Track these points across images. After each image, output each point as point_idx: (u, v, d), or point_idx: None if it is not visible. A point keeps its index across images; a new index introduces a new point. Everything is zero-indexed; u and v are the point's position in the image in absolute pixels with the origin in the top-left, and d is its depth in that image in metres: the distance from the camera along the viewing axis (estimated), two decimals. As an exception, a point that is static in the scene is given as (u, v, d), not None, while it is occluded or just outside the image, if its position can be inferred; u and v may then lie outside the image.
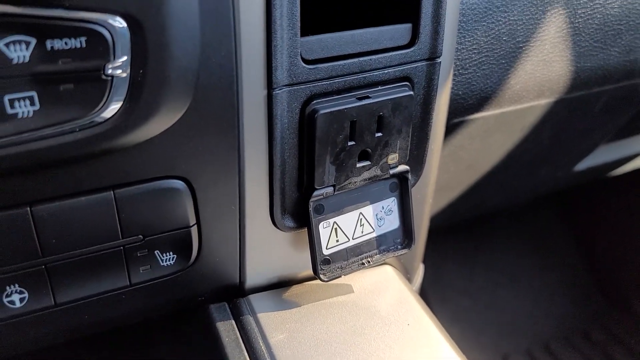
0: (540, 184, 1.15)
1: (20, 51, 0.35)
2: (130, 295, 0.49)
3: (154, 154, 0.44)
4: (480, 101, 0.74)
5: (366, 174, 0.53)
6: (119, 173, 0.44)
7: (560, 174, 1.12)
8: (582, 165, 1.11)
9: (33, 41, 0.35)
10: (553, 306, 1.63)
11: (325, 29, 0.48)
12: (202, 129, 0.44)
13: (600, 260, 1.68)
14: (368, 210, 0.56)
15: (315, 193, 0.51)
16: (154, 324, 0.59)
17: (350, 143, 0.50)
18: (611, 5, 0.75)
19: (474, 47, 0.68)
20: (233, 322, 0.54)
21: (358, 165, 0.52)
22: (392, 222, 0.58)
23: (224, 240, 0.51)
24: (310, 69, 0.47)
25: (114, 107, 0.39)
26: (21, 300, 0.45)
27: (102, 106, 0.38)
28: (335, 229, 0.55)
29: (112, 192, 0.44)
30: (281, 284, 0.58)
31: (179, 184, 0.46)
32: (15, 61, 0.35)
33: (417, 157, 0.58)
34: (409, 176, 0.56)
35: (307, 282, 0.59)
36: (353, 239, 0.56)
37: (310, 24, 0.47)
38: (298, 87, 0.47)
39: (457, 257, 1.65)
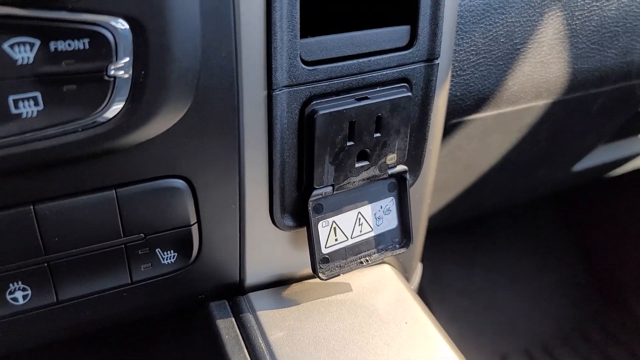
0: (538, 184, 1.16)
1: (24, 52, 0.35)
2: (131, 292, 0.50)
3: (155, 154, 0.44)
4: (478, 102, 0.74)
5: (365, 174, 0.54)
6: (121, 172, 0.44)
7: (558, 174, 1.13)
8: (580, 165, 1.11)
9: (37, 43, 0.35)
10: (552, 306, 1.63)
11: (324, 30, 0.48)
12: (203, 129, 0.45)
13: (599, 261, 1.68)
14: (367, 210, 0.57)
15: (315, 192, 0.51)
16: (155, 322, 0.59)
17: (349, 143, 0.51)
18: (608, 8, 0.75)
19: (471, 48, 0.68)
20: (233, 319, 0.54)
21: (357, 165, 0.53)
22: (391, 221, 0.59)
23: (224, 239, 0.52)
24: (309, 70, 0.47)
25: (116, 108, 0.39)
26: (24, 297, 0.45)
27: (104, 106, 0.39)
28: (334, 228, 0.55)
29: (114, 191, 0.45)
30: (281, 283, 0.58)
31: (179, 183, 0.47)
32: (19, 62, 0.35)
33: (415, 158, 0.58)
34: (407, 176, 0.57)
35: (306, 281, 0.59)
36: (352, 238, 0.57)
37: (310, 26, 0.47)
38: (298, 88, 0.47)
39: (456, 257, 1.66)
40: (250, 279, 0.56)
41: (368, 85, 0.51)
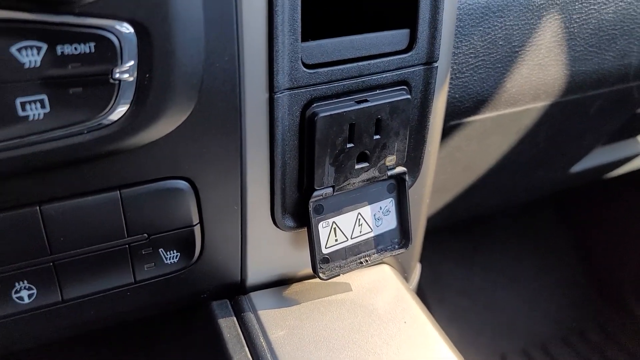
0: (537, 185, 1.16)
1: (31, 56, 0.36)
2: (135, 292, 0.50)
3: (159, 155, 0.45)
4: (477, 104, 0.75)
5: (364, 175, 0.54)
6: (125, 173, 0.45)
7: (556, 175, 1.13)
8: (578, 167, 1.12)
9: (44, 46, 0.36)
10: (551, 306, 1.63)
11: (325, 34, 0.49)
12: (206, 131, 0.46)
13: (598, 261, 1.69)
14: (366, 211, 0.57)
15: (315, 193, 0.52)
16: (158, 321, 0.60)
17: (349, 145, 0.51)
18: (606, 11, 0.76)
19: (470, 51, 0.69)
20: (234, 318, 0.55)
21: (357, 166, 0.53)
22: (390, 222, 0.59)
23: (226, 239, 0.53)
24: (310, 73, 0.48)
25: (121, 110, 0.40)
26: (30, 296, 0.46)
27: (109, 109, 0.39)
28: (335, 228, 0.56)
29: (118, 192, 0.45)
30: (281, 282, 0.59)
31: (182, 184, 0.47)
32: (27, 66, 0.36)
33: (414, 159, 0.59)
34: (407, 177, 0.57)
35: (306, 281, 0.60)
36: (352, 238, 0.57)
37: (310, 29, 0.48)
38: (299, 90, 0.48)
39: (455, 257, 1.66)
40: (252, 278, 0.57)
41: (368, 88, 0.52)
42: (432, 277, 1.59)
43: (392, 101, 0.52)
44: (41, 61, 0.36)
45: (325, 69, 0.49)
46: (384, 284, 0.61)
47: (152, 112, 0.41)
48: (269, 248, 0.56)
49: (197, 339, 0.58)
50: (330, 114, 0.49)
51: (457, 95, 0.72)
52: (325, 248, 0.56)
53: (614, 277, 1.65)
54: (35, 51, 0.36)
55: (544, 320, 1.61)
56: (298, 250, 0.57)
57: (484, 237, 1.69)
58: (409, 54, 0.52)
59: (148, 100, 0.40)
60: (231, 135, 0.47)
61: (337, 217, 0.56)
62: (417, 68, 0.54)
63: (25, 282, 0.45)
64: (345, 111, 0.50)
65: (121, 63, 0.38)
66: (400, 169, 0.57)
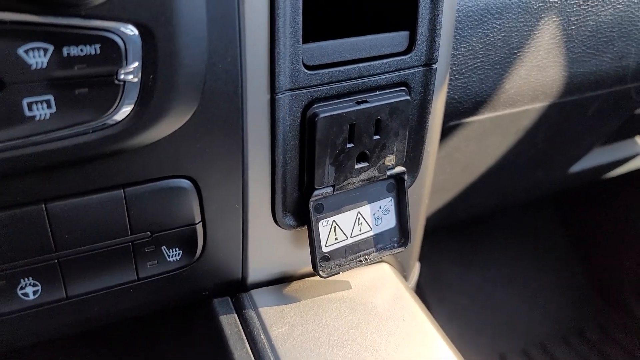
0: (535, 185, 1.17)
1: (38, 57, 0.36)
2: (137, 289, 0.51)
3: (162, 155, 0.46)
4: (476, 105, 0.75)
5: (364, 175, 0.55)
6: (129, 172, 0.46)
7: (555, 176, 1.14)
8: (577, 167, 1.12)
9: (51, 48, 0.37)
10: (550, 306, 1.64)
11: (325, 35, 0.49)
12: (208, 131, 0.46)
13: (597, 261, 1.69)
14: (366, 210, 0.58)
15: (316, 193, 0.53)
16: (160, 317, 0.60)
17: (349, 145, 0.52)
18: (603, 13, 0.76)
19: (469, 52, 0.70)
20: (235, 316, 0.56)
21: (357, 166, 0.54)
22: (389, 221, 0.60)
23: (228, 237, 0.53)
24: (311, 74, 0.49)
25: (125, 110, 0.41)
26: (34, 292, 0.47)
27: (114, 109, 0.40)
28: (334, 227, 0.57)
29: (122, 190, 0.46)
30: (282, 280, 0.60)
31: (185, 183, 0.48)
32: (33, 67, 0.36)
33: (413, 159, 0.59)
34: (406, 177, 0.58)
35: (306, 278, 0.61)
36: (351, 237, 0.58)
37: (311, 31, 0.49)
38: (300, 91, 0.49)
39: (454, 256, 1.66)
40: (253, 276, 0.57)
41: (368, 89, 0.52)
42: (431, 276, 1.59)
43: (392, 102, 0.53)
44: (47, 62, 0.37)
45: (326, 70, 0.49)
46: (383, 282, 0.61)
47: (155, 113, 0.42)
48: (269, 246, 0.56)
49: (199, 335, 0.59)
50: (331, 115, 0.50)
51: (456, 96, 0.72)
52: (325, 246, 0.56)
53: (613, 276, 1.65)
54: (41, 52, 0.36)
55: (543, 319, 1.61)
56: (298, 248, 0.58)
57: (483, 236, 1.69)
58: (409, 55, 0.53)
59: (152, 100, 0.41)
60: (233, 135, 0.48)
61: (337, 216, 0.56)
62: (416, 69, 0.54)
63: (30, 278, 0.46)
64: (345, 112, 0.50)
65: (126, 64, 0.39)
66: (399, 169, 0.57)
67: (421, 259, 0.79)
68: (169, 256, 0.51)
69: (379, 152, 0.54)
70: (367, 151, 0.54)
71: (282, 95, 0.48)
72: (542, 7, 0.72)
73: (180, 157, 0.47)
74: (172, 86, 0.41)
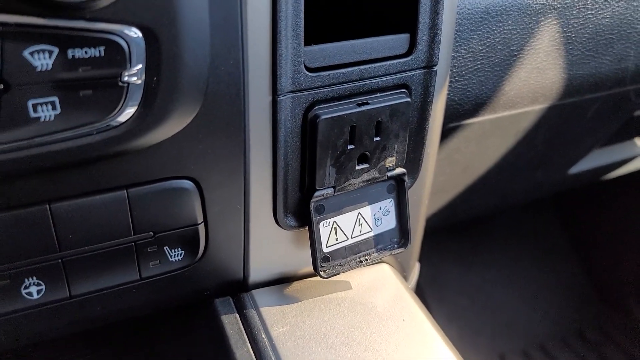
0: (535, 186, 1.17)
1: (43, 59, 0.37)
2: (140, 288, 0.52)
3: (165, 156, 0.46)
4: (476, 107, 0.76)
5: (365, 176, 0.55)
6: (132, 173, 0.46)
7: (554, 177, 1.14)
8: (576, 168, 1.12)
9: (56, 50, 0.37)
10: (550, 307, 1.64)
11: (327, 38, 0.50)
12: (211, 133, 0.47)
13: (597, 262, 1.69)
14: (366, 211, 0.59)
15: (316, 194, 0.53)
16: (162, 317, 0.61)
17: (350, 147, 0.53)
18: (603, 16, 0.77)
19: (469, 55, 0.70)
20: (237, 315, 0.56)
21: (357, 167, 0.54)
22: (389, 222, 0.60)
23: (229, 238, 0.54)
24: (312, 76, 0.49)
25: (129, 112, 0.41)
26: (38, 292, 0.47)
27: (118, 111, 0.41)
28: (335, 228, 0.57)
29: (125, 191, 0.46)
30: (283, 280, 0.60)
31: (187, 184, 0.49)
32: (39, 69, 0.37)
33: (413, 160, 0.60)
34: (406, 178, 0.59)
35: (307, 279, 0.61)
36: (352, 237, 0.58)
37: (313, 34, 0.49)
38: (301, 93, 0.49)
39: (454, 257, 1.66)
40: (254, 276, 0.58)
41: (368, 91, 0.53)
42: (431, 276, 1.59)
43: (392, 104, 0.53)
44: (53, 64, 0.37)
45: (327, 73, 0.50)
46: (383, 283, 0.62)
47: (159, 114, 0.42)
48: (271, 247, 0.57)
49: (201, 335, 0.59)
50: (332, 116, 0.50)
51: (456, 98, 0.73)
52: (326, 247, 0.57)
53: (613, 277, 1.65)
54: (47, 55, 0.37)
55: (543, 320, 1.61)
56: (299, 249, 0.58)
57: (483, 237, 1.69)
58: (409, 58, 0.54)
59: (155, 102, 0.41)
60: (235, 137, 0.48)
61: (338, 216, 0.57)
62: (416, 72, 0.55)
63: (34, 278, 0.47)
64: (346, 113, 0.51)
65: (130, 66, 0.39)
66: (399, 170, 0.58)
67: (421, 259, 0.79)
68: (171, 256, 0.51)
69: (379, 153, 0.55)
70: (367, 153, 0.54)
71: (283, 97, 0.48)
72: (541, 10, 0.72)
73: (183, 158, 0.47)
74: (175, 88, 0.42)
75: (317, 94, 0.50)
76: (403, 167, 0.58)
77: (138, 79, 0.40)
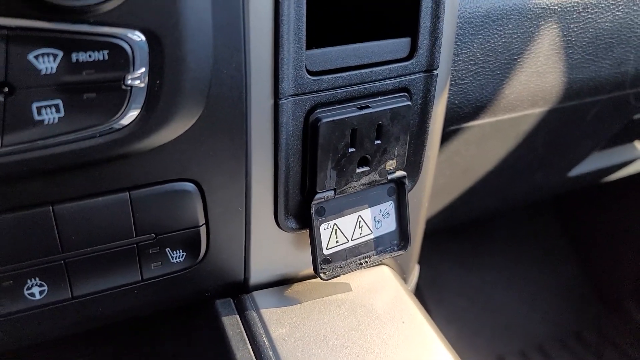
0: (534, 189, 1.17)
1: (48, 63, 0.37)
2: (141, 289, 0.52)
3: (167, 158, 0.46)
4: (476, 110, 0.76)
5: (365, 179, 0.56)
6: (135, 175, 0.46)
7: (554, 179, 1.14)
8: (576, 171, 1.13)
9: (60, 54, 0.37)
10: (549, 308, 1.64)
11: (328, 42, 0.50)
12: (213, 136, 0.47)
13: (596, 264, 1.69)
14: (366, 213, 0.59)
15: (317, 196, 0.53)
16: (163, 318, 0.61)
17: (350, 150, 0.53)
18: (603, 20, 0.77)
19: (470, 58, 0.70)
20: (237, 317, 0.56)
21: (358, 170, 0.55)
22: (389, 224, 0.61)
23: (231, 240, 0.54)
24: (314, 80, 0.49)
25: (132, 115, 0.41)
26: (41, 292, 0.47)
27: (121, 114, 0.41)
28: (335, 230, 0.57)
29: (127, 193, 0.47)
30: (283, 282, 0.60)
31: (189, 186, 0.49)
32: (43, 72, 0.37)
33: (414, 163, 0.60)
34: (406, 181, 0.59)
35: (307, 281, 0.61)
36: (352, 240, 0.59)
37: (314, 37, 0.49)
38: (303, 97, 0.49)
39: (454, 259, 1.67)
40: (255, 278, 0.58)
41: (370, 94, 0.53)
42: (431, 278, 1.60)
43: (393, 107, 0.53)
44: (57, 68, 0.37)
45: (329, 76, 0.50)
46: (383, 285, 0.62)
47: (161, 117, 0.43)
48: (271, 248, 0.57)
49: (201, 336, 0.59)
50: (333, 120, 0.50)
51: (456, 101, 0.73)
52: (327, 249, 0.57)
53: (611, 279, 1.66)
54: (51, 58, 0.37)
55: (541, 321, 1.61)
56: (300, 251, 0.59)
57: (483, 239, 1.70)
58: (410, 61, 0.54)
59: (158, 105, 0.42)
60: (237, 140, 0.49)
61: (338, 219, 0.57)
62: (417, 75, 0.55)
63: (37, 279, 0.47)
64: (347, 117, 0.51)
65: (133, 70, 0.40)
66: (400, 173, 0.58)
67: (421, 261, 0.80)
68: (172, 258, 0.52)
69: (380, 156, 0.55)
70: (368, 156, 0.54)
71: (285, 101, 0.49)
72: (542, 14, 0.72)
73: (185, 160, 0.47)
74: (178, 91, 0.42)
75: (319, 97, 0.50)
76: (403, 170, 0.58)
77: (141, 82, 0.40)
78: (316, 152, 0.51)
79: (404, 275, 0.70)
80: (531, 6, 0.71)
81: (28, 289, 0.47)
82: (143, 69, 0.40)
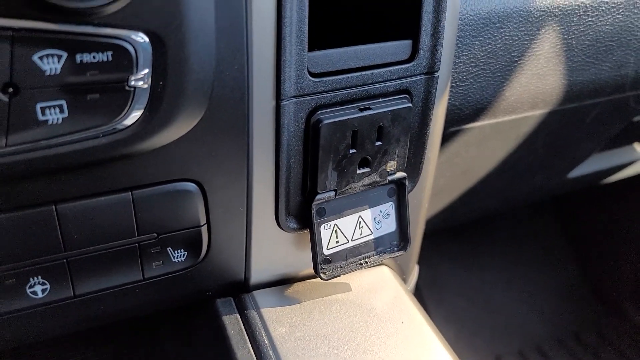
0: (534, 190, 1.17)
1: (52, 64, 0.37)
2: (143, 288, 0.52)
3: (169, 159, 0.47)
4: (476, 111, 0.76)
5: (366, 180, 0.56)
6: (137, 175, 0.47)
7: (554, 181, 1.15)
8: (576, 172, 1.13)
9: (64, 55, 0.38)
10: (547, 309, 1.64)
11: (330, 44, 0.50)
12: (215, 136, 0.47)
13: (594, 265, 1.70)
14: (367, 214, 0.59)
15: (318, 197, 0.54)
16: (164, 317, 0.61)
17: (351, 151, 0.53)
18: (603, 23, 0.77)
19: (471, 60, 0.71)
20: (238, 316, 0.56)
21: (358, 171, 0.55)
22: (390, 225, 0.61)
23: (232, 239, 0.54)
24: (316, 81, 0.50)
25: (135, 116, 0.42)
26: (43, 291, 0.48)
27: (124, 114, 0.41)
28: (336, 230, 0.57)
29: (130, 193, 0.47)
30: (284, 282, 0.61)
31: (191, 186, 0.49)
32: (47, 73, 0.37)
33: (414, 165, 0.60)
34: (406, 182, 0.59)
35: (308, 280, 0.62)
36: (352, 240, 0.59)
37: (316, 39, 0.49)
38: (304, 98, 0.50)
39: (453, 259, 1.67)
40: (255, 277, 0.58)
41: (371, 96, 0.53)
42: (430, 278, 1.60)
43: (394, 109, 0.54)
44: (61, 69, 0.38)
45: (330, 78, 0.50)
46: (382, 285, 0.62)
47: (164, 118, 0.43)
48: (272, 248, 0.57)
49: (202, 335, 0.60)
50: (334, 121, 0.51)
51: (457, 103, 0.73)
52: (327, 249, 0.57)
53: (610, 280, 1.66)
54: (55, 59, 0.38)
55: (540, 322, 1.62)
56: (300, 251, 0.59)
57: (482, 239, 1.70)
58: (411, 64, 0.54)
59: (161, 106, 0.42)
60: (239, 141, 0.49)
61: (339, 219, 0.57)
62: (418, 77, 0.55)
63: (39, 277, 0.47)
64: (348, 118, 0.51)
65: (136, 71, 0.40)
66: (400, 174, 0.58)
67: (420, 260, 0.80)
68: (174, 257, 0.52)
69: (380, 157, 0.55)
70: (369, 157, 0.55)
71: (287, 102, 0.49)
72: (542, 17, 0.73)
73: (187, 161, 0.48)
74: (181, 92, 0.42)
75: (320, 98, 0.51)
76: (404, 171, 0.59)
77: (144, 83, 0.41)
78: (317, 153, 0.51)
79: (403, 276, 0.70)
80: (532, 9, 0.72)
81: (30, 287, 0.47)
82: (146, 70, 0.41)
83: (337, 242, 0.58)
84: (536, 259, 1.72)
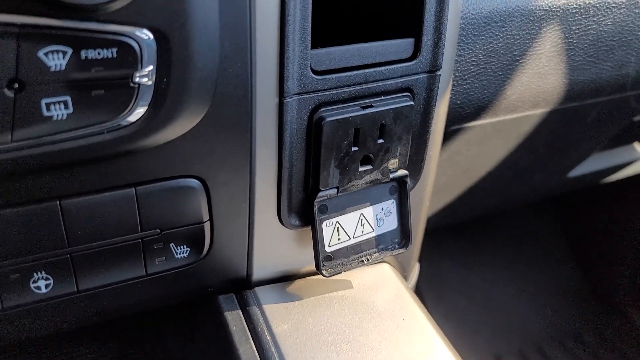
0: (535, 189, 1.18)
1: (57, 60, 0.38)
2: (146, 284, 0.52)
3: (173, 155, 0.47)
4: (478, 110, 0.77)
5: (368, 178, 0.56)
6: (141, 172, 0.47)
7: (554, 180, 1.15)
8: (576, 172, 1.13)
9: (69, 51, 0.38)
10: (547, 308, 1.65)
11: (333, 41, 0.51)
12: (218, 133, 0.48)
13: (594, 265, 1.70)
14: (368, 211, 0.59)
15: (320, 194, 0.54)
16: (166, 313, 0.61)
17: (353, 148, 0.53)
18: (604, 22, 0.77)
19: (472, 59, 0.71)
20: (240, 312, 0.57)
21: (360, 169, 0.55)
22: (391, 223, 0.61)
23: (234, 236, 0.54)
24: (318, 79, 0.50)
25: (139, 112, 0.42)
26: (46, 286, 0.48)
27: (128, 111, 0.41)
28: (338, 228, 0.58)
29: (133, 189, 0.47)
30: (286, 278, 0.61)
31: (194, 182, 0.49)
32: (52, 69, 0.38)
33: (416, 163, 0.61)
34: (408, 180, 0.59)
35: (309, 277, 0.62)
36: (354, 237, 0.59)
37: (319, 37, 0.50)
38: (307, 95, 0.50)
39: (454, 257, 1.67)
40: (257, 274, 0.59)
41: (373, 94, 0.54)
42: (431, 276, 1.60)
43: (396, 107, 0.54)
44: (66, 65, 0.38)
45: (333, 76, 0.51)
46: (383, 282, 0.62)
47: (168, 114, 0.43)
48: (274, 245, 0.57)
49: (204, 331, 0.60)
50: (337, 119, 0.51)
51: (458, 102, 0.73)
52: (329, 246, 0.57)
53: (610, 280, 1.66)
54: (60, 55, 0.38)
55: (540, 321, 1.62)
56: (302, 247, 0.59)
57: (483, 237, 1.70)
58: (413, 62, 0.54)
59: (165, 103, 0.42)
60: (242, 137, 0.49)
61: (341, 217, 0.58)
62: (420, 76, 0.56)
63: (43, 272, 0.47)
64: (351, 116, 0.52)
65: (141, 68, 0.40)
66: (402, 172, 0.59)
67: (421, 259, 0.80)
68: (176, 253, 0.52)
69: (382, 155, 0.56)
70: (371, 154, 0.55)
71: (290, 99, 0.49)
72: (544, 16, 0.73)
73: (190, 157, 0.48)
74: (185, 89, 0.43)
75: (323, 96, 0.51)
76: (405, 169, 0.59)
77: (149, 80, 0.41)
78: (320, 150, 0.52)
79: (404, 273, 0.71)
80: (534, 8, 0.72)
81: (34, 282, 0.47)
82: (151, 67, 0.41)
83: (339, 239, 0.58)
84: (536, 258, 1.72)
